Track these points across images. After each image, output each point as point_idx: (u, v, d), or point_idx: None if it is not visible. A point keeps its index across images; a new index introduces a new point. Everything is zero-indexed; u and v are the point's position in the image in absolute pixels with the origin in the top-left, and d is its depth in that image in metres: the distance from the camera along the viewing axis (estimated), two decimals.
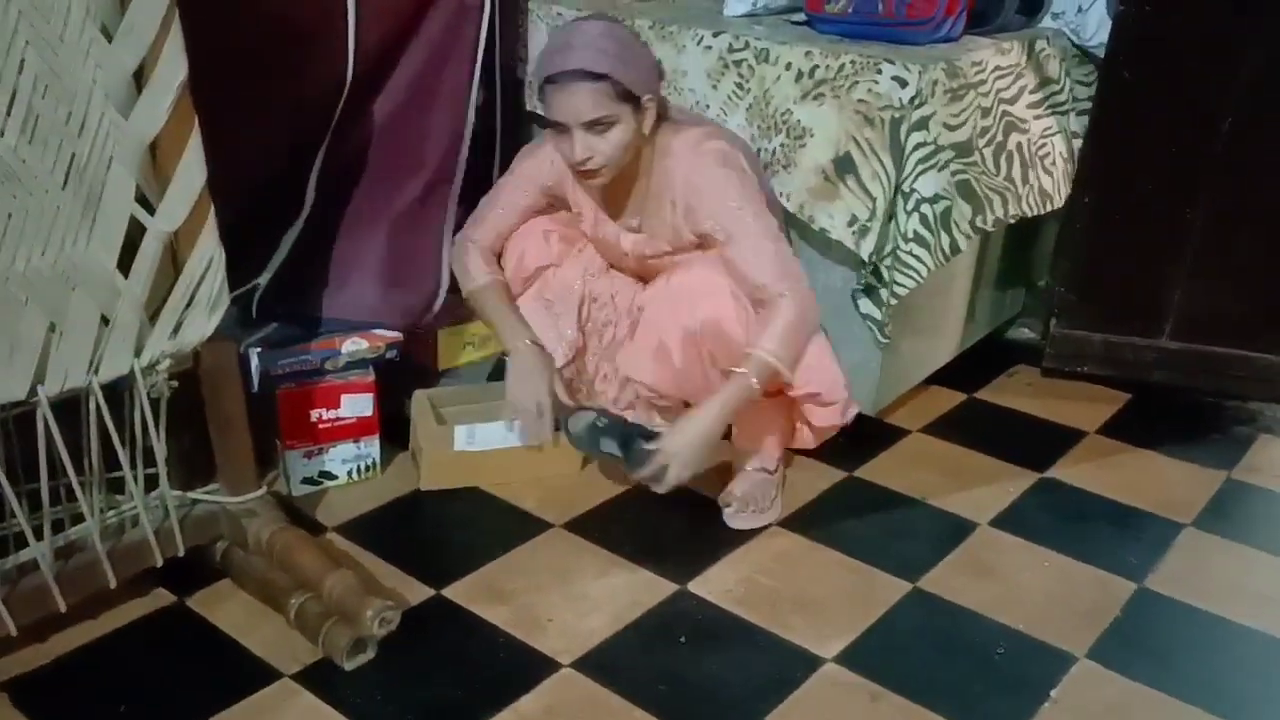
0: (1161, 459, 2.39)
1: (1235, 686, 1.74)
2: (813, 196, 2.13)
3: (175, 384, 1.69)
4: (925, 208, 2.07)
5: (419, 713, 1.63)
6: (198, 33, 1.52)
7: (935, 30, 2.16)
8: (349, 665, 1.69)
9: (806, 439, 2.13)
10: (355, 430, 2.16)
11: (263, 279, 2.22)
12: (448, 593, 1.89)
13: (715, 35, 2.21)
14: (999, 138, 2.26)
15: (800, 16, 2.32)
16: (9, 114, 1.39)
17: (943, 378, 2.63)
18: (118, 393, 1.65)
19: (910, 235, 2.07)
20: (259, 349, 2.09)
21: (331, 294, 2.24)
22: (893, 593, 1.92)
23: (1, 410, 1.53)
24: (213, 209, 1.61)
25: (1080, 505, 2.22)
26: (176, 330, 1.64)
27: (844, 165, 2.09)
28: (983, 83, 2.18)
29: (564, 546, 2.03)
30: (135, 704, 1.63)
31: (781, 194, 2.15)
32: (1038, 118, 2.37)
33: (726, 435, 2.02)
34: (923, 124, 2.03)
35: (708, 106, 2.24)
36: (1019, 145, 2.31)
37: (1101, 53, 2.39)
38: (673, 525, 2.09)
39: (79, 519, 1.69)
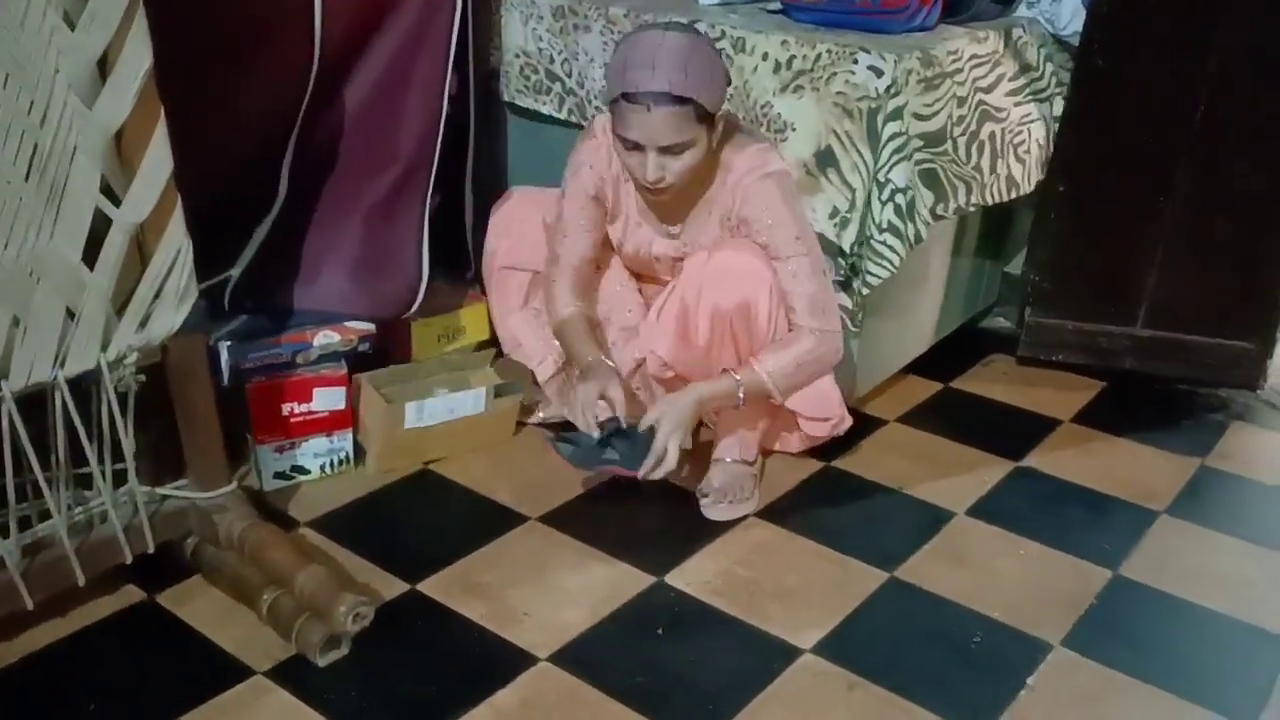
0: (1135, 447, 2.41)
1: (1209, 672, 1.75)
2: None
3: (143, 378, 1.67)
4: (899, 197, 2.07)
5: (394, 708, 1.61)
6: (162, 20, 1.49)
7: (910, 19, 2.16)
8: (323, 661, 1.67)
9: (791, 444, 2.14)
10: (328, 424, 2.14)
11: (235, 271, 2.19)
12: (423, 587, 1.87)
13: (691, 24, 2.19)
14: (973, 127, 2.26)
15: (776, 5, 2.32)
16: None
17: (919, 367, 2.64)
18: (84, 387, 1.63)
19: (885, 225, 2.07)
20: (229, 342, 2.06)
21: (306, 286, 2.22)
22: (870, 582, 1.92)
23: None
24: (180, 200, 1.59)
25: (1056, 493, 2.22)
26: (144, 324, 1.62)
27: (825, 159, 2.08)
28: (959, 71, 2.18)
29: (540, 540, 2.02)
30: (105, 702, 1.61)
31: None
32: (1017, 104, 2.37)
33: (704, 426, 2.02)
34: (898, 114, 2.03)
35: None
36: (992, 134, 2.31)
37: (1076, 41, 2.39)
38: (650, 517, 2.08)
39: (46, 515, 1.67)
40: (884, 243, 2.08)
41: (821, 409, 2.07)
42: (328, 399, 2.12)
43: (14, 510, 1.61)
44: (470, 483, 2.18)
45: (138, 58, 1.47)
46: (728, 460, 2.10)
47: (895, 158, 2.05)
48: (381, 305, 2.23)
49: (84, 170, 1.49)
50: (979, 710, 1.64)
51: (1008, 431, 2.44)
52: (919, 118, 2.09)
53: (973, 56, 2.22)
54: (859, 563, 1.97)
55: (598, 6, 2.32)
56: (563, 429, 2.13)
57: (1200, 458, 2.36)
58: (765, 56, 2.11)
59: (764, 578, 1.93)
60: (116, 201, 1.54)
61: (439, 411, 2.19)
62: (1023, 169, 2.41)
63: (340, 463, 2.18)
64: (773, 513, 2.11)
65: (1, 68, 1.38)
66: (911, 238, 2.11)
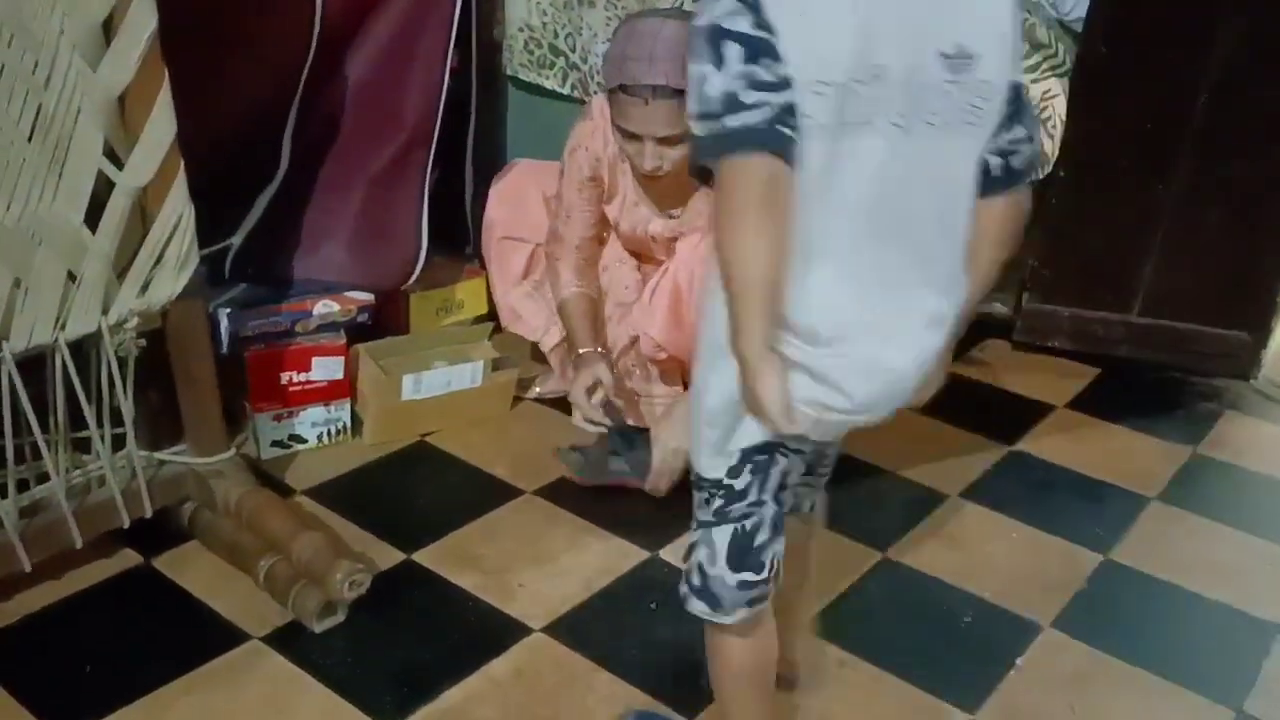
0: (1128, 433, 2.42)
1: (1197, 656, 1.77)
2: None
3: (143, 343, 1.67)
4: None
5: (389, 675, 1.62)
6: None
7: None
8: (319, 628, 1.68)
9: None
10: (326, 393, 2.14)
11: (236, 239, 2.19)
12: (418, 557, 1.88)
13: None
14: None
15: None
16: None
17: None
18: (84, 351, 1.63)
19: None
20: (228, 309, 2.06)
21: (306, 255, 2.22)
22: (862, 561, 1.94)
23: None
24: (182, 165, 1.59)
25: (1048, 478, 2.24)
26: (145, 288, 1.62)
27: None
28: None
29: (536, 513, 2.03)
30: (100, 665, 1.62)
31: None
32: (1035, 81, 2.34)
33: None
34: None
35: None
36: None
37: (1079, 27, 2.39)
38: (645, 494, 2.09)
39: (44, 478, 1.67)
40: None
41: None
42: (326, 368, 2.12)
43: (12, 472, 1.62)
44: (466, 455, 2.18)
45: (143, 20, 1.47)
46: None
47: None
48: (380, 276, 2.24)
49: (87, 132, 1.48)
50: (968, 689, 1.66)
51: (1002, 416, 2.45)
52: None
53: None
54: (852, 542, 1.98)
55: None
56: (575, 446, 2.14)
57: (1192, 446, 2.38)
58: None
59: None
60: (119, 165, 1.54)
61: (436, 384, 2.20)
62: (1052, 145, 2.39)
63: (337, 432, 2.18)
64: None
65: (6, 28, 1.37)
66: None
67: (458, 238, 2.53)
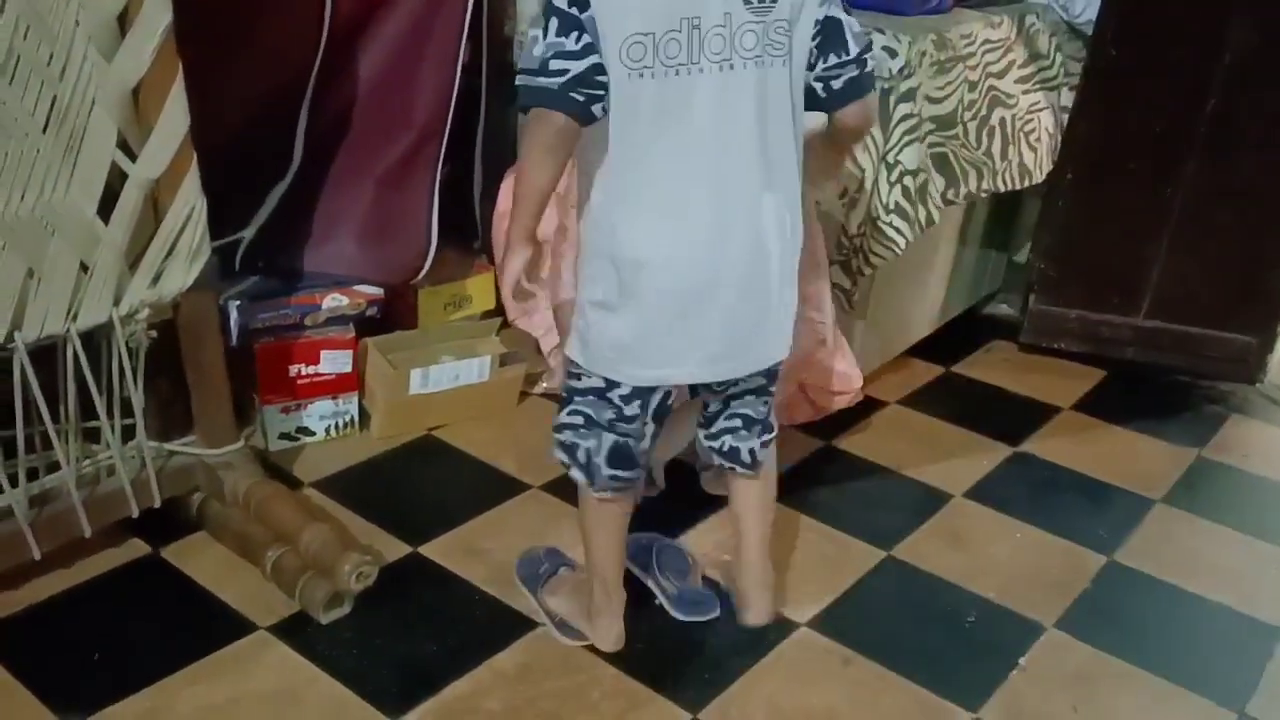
0: (1134, 436, 2.42)
1: (1200, 658, 1.77)
2: None
3: (154, 334, 1.68)
4: (907, 179, 2.07)
5: (395, 667, 1.63)
6: None
7: (925, 1, 2.16)
8: (325, 619, 1.69)
9: (807, 413, 2.15)
10: (334, 387, 2.15)
11: (248, 232, 2.20)
12: (425, 550, 1.89)
13: None
14: (983, 112, 2.26)
15: None
16: None
17: (921, 351, 2.65)
18: (95, 341, 1.64)
19: (891, 206, 2.08)
20: (239, 302, 2.07)
21: (317, 249, 2.22)
22: (867, 560, 1.94)
23: None
24: (195, 158, 1.59)
25: (1053, 479, 2.24)
26: (156, 280, 1.63)
27: None
28: (971, 55, 2.18)
29: (542, 509, 2.04)
30: (109, 653, 1.63)
31: None
32: (1025, 92, 2.37)
33: None
34: (910, 95, 2.03)
35: None
36: (1002, 120, 2.31)
37: (1089, 30, 2.39)
38: (648, 489, 2.09)
39: (55, 468, 1.68)
40: (890, 224, 2.09)
41: (842, 384, 2.08)
42: (334, 362, 2.13)
43: (23, 461, 1.63)
44: (473, 450, 2.19)
45: (158, 14, 1.48)
46: None
47: (906, 139, 2.05)
48: (390, 270, 2.24)
49: (101, 124, 1.49)
50: (971, 688, 1.66)
51: (1008, 417, 2.45)
52: (931, 100, 2.10)
53: (985, 41, 2.22)
54: (856, 540, 1.99)
55: None
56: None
57: (1198, 449, 2.38)
58: None
59: None
60: (133, 157, 1.55)
61: (444, 378, 2.21)
62: (1035, 157, 2.42)
63: (345, 425, 2.19)
64: None
65: (22, 19, 1.38)
66: (922, 221, 2.12)
67: (467, 232, 2.53)
